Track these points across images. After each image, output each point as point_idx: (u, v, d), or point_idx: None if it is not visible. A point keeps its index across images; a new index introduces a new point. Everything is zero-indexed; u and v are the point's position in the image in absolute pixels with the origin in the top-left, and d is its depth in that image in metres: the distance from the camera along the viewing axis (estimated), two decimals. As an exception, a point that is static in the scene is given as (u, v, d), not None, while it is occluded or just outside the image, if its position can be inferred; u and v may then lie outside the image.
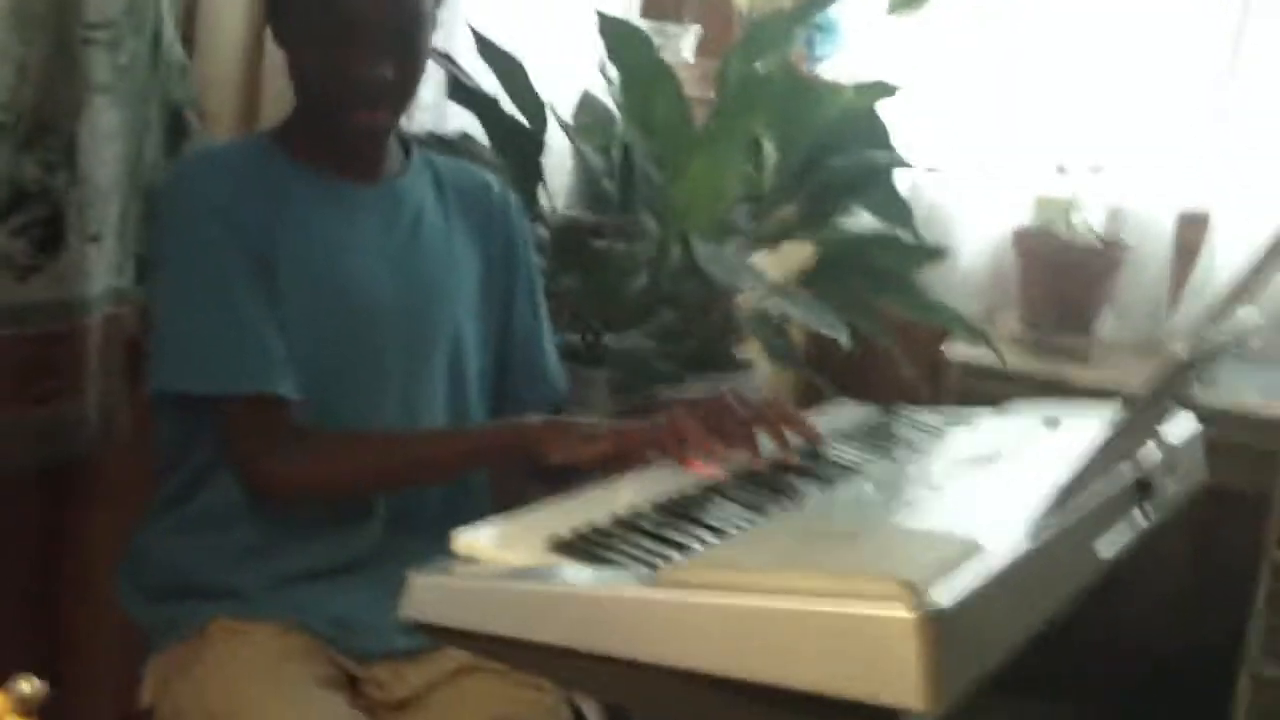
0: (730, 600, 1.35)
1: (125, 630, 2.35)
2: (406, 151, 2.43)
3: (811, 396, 3.19)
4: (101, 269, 2.67)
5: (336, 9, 2.19)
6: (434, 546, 1.65)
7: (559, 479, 2.11)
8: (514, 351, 2.47)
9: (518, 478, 2.32)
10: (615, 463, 2.03)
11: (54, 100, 2.54)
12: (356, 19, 2.19)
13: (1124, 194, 4.12)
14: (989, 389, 3.62)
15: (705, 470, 1.96)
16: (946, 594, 1.30)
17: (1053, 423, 2.22)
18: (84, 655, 2.87)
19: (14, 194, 2.51)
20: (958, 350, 3.86)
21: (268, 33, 2.43)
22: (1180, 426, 2.12)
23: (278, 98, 2.43)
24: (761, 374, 3.30)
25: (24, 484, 2.71)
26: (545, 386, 2.49)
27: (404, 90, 2.28)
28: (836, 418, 2.34)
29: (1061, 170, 4.07)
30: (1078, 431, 1.99)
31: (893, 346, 3.22)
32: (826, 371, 3.40)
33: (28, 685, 1.56)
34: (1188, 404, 2.16)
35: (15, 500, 2.72)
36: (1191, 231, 4.14)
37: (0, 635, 2.69)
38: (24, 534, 2.78)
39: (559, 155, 3.58)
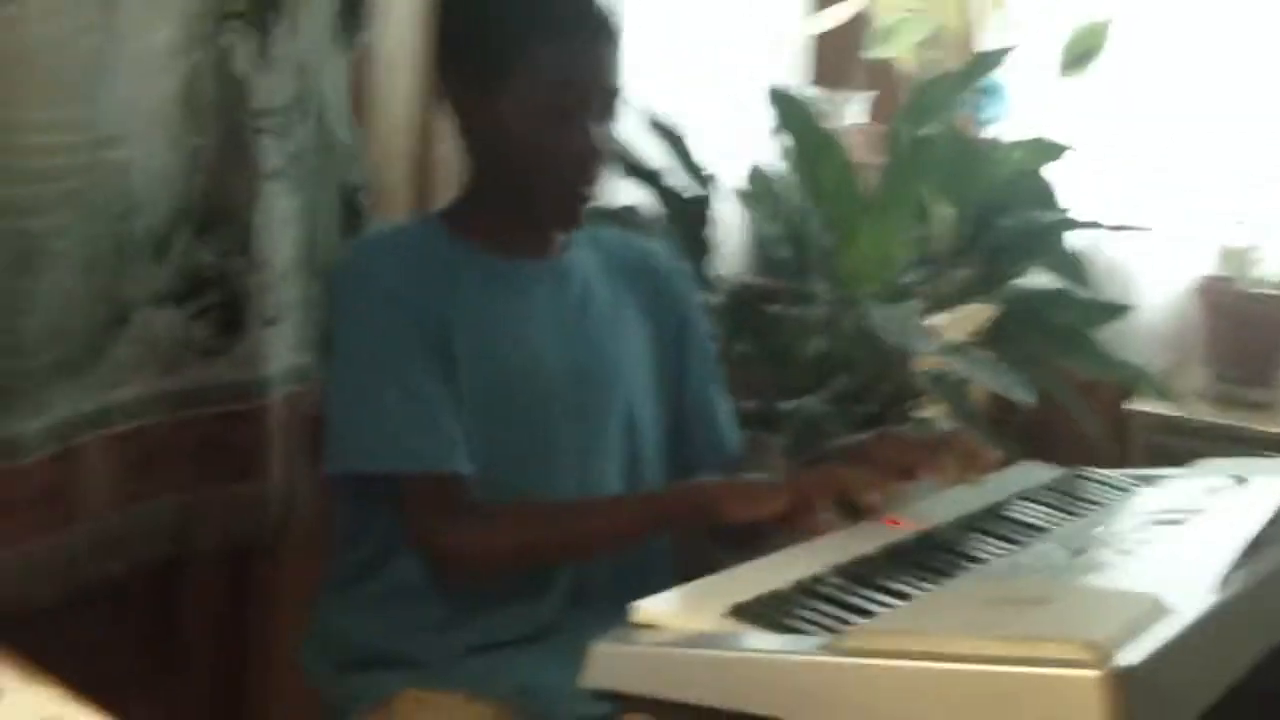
0: (912, 666, 1.34)
1: (310, 704, 2.38)
2: None
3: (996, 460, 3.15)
4: (280, 350, 2.71)
5: (574, 81, 2.19)
6: (616, 615, 1.64)
7: (741, 541, 2.11)
8: (689, 420, 2.46)
9: (699, 543, 2.32)
10: (795, 518, 2.02)
11: (227, 188, 2.58)
12: (586, 91, 2.20)
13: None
14: (1175, 444, 3.58)
15: (895, 523, 1.95)
16: (1134, 654, 1.28)
17: (1241, 480, 2.18)
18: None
19: (193, 279, 2.55)
20: (1142, 406, 3.81)
21: (437, 111, 2.44)
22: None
23: (450, 177, 2.46)
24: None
25: (209, 563, 2.74)
26: (721, 455, 2.47)
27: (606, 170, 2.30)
28: (1022, 479, 2.31)
29: (1241, 221, 4.01)
30: (1266, 488, 1.96)
31: (1076, 405, 3.18)
32: (1008, 433, 3.36)
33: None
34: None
35: (201, 579, 2.76)
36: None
37: (194, 710, 2.72)
38: (209, 612, 2.82)
39: (728, 226, 3.59)
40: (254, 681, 2.89)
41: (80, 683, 1.80)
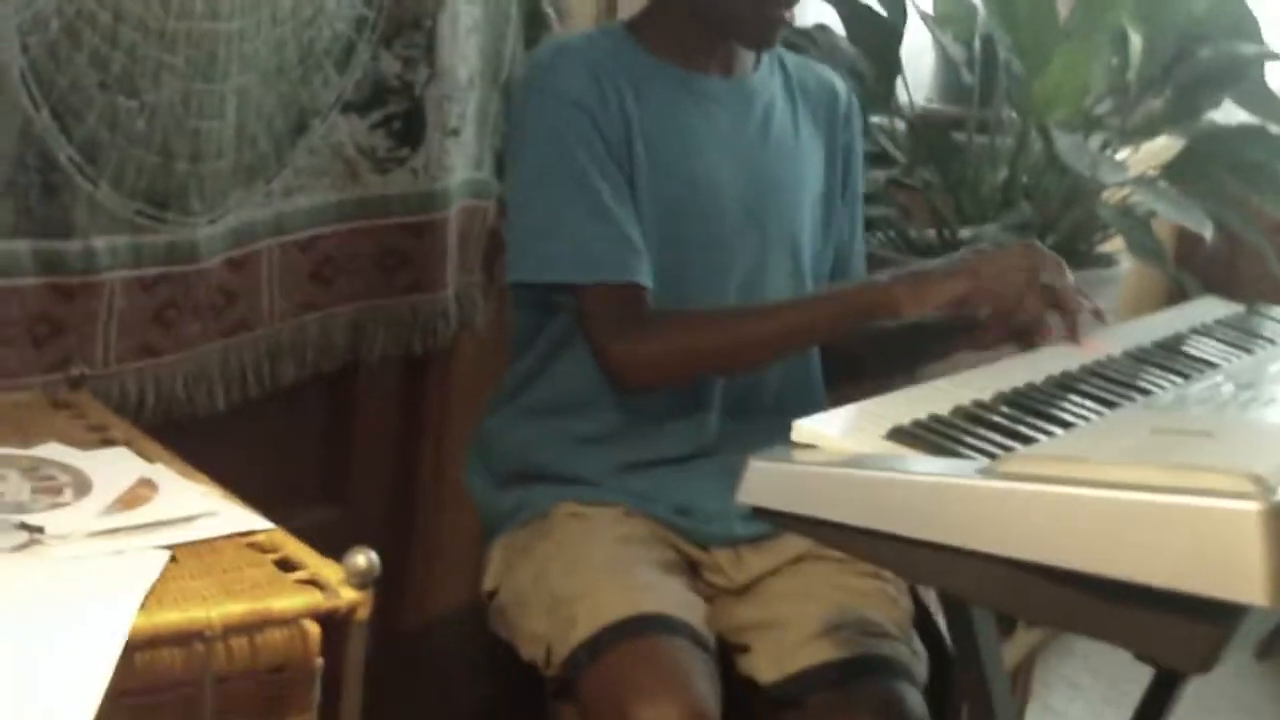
0: (1072, 491, 1.32)
1: (474, 515, 2.41)
2: None
3: (1176, 294, 3.11)
4: (460, 162, 2.72)
5: None
6: (771, 436, 1.64)
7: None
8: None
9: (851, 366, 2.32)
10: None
11: (413, -4, 2.58)
12: None
13: None
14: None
15: (1092, 347, 1.94)
16: (1295, 489, 1.26)
17: None
18: (434, 538, 2.94)
19: (375, 89, 2.56)
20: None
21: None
22: None
23: (635, -3, 2.44)
24: (1124, 270, 3.22)
25: (384, 372, 2.78)
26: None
27: None
28: (1199, 314, 2.28)
29: None
30: None
31: (1264, 243, 3.12)
32: (1192, 269, 3.31)
33: (363, 559, 1.60)
34: None
35: (376, 388, 2.80)
36: None
37: (357, 517, 2.77)
38: (383, 420, 2.86)
39: (917, 48, 3.53)
40: (423, 491, 2.94)
41: (249, 489, 1.83)
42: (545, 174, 2.23)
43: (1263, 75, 3.28)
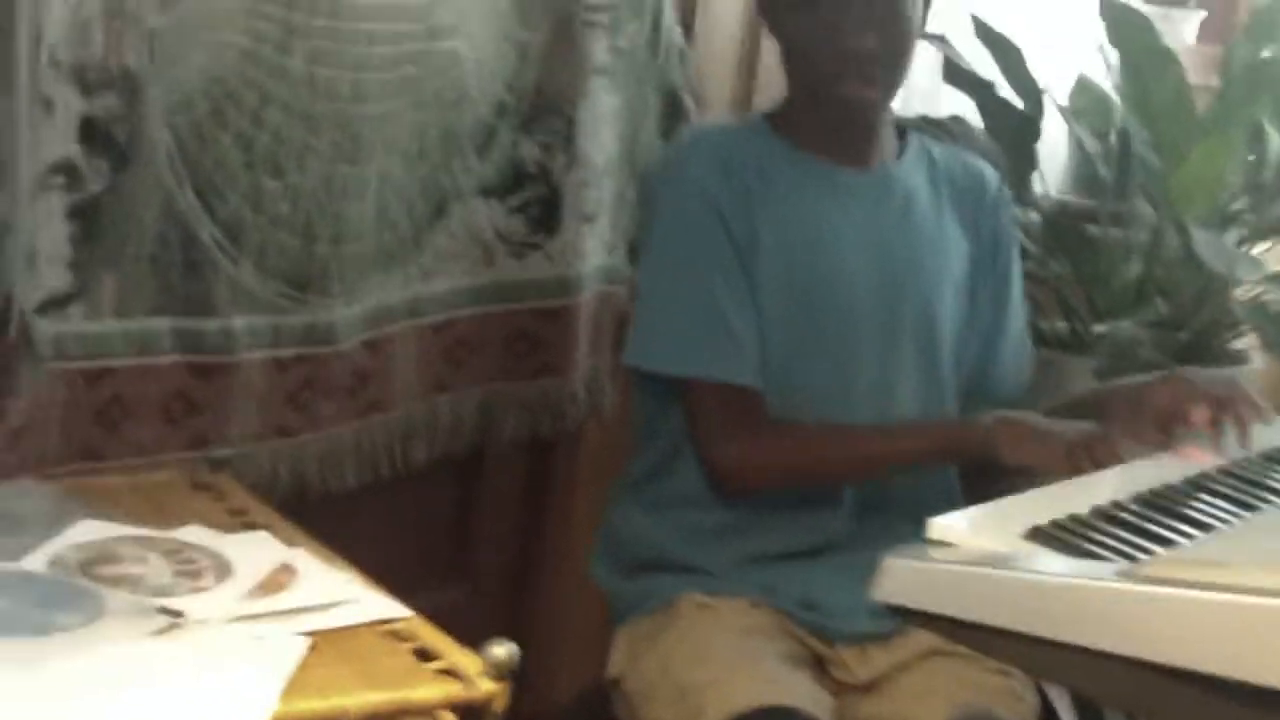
0: (1214, 597, 1.31)
1: (596, 602, 2.42)
2: (902, 136, 2.41)
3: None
4: (595, 248, 2.75)
5: None
6: (902, 532, 1.64)
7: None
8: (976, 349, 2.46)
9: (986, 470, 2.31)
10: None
11: (554, 82, 2.61)
12: None
13: None
14: None
15: (1195, 456, 1.92)
16: None
17: None
18: (557, 624, 2.95)
19: (514, 173, 2.60)
20: None
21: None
22: None
23: (772, 83, 2.46)
24: (1256, 368, 3.19)
25: (513, 455, 2.79)
26: (999, 391, 2.45)
27: (893, 63, 2.27)
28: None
29: None
30: None
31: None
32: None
33: (502, 650, 1.61)
34: None
35: (504, 471, 2.82)
36: None
37: (481, 600, 2.78)
38: (510, 503, 2.87)
39: (1053, 140, 3.53)
40: (548, 575, 2.95)
41: (376, 569, 1.85)
42: (666, 265, 2.26)
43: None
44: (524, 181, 2.62)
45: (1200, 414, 2.05)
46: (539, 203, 2.64)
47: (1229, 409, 2.05)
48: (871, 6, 2.21)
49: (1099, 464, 1.98)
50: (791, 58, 2.31)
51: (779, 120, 2.35)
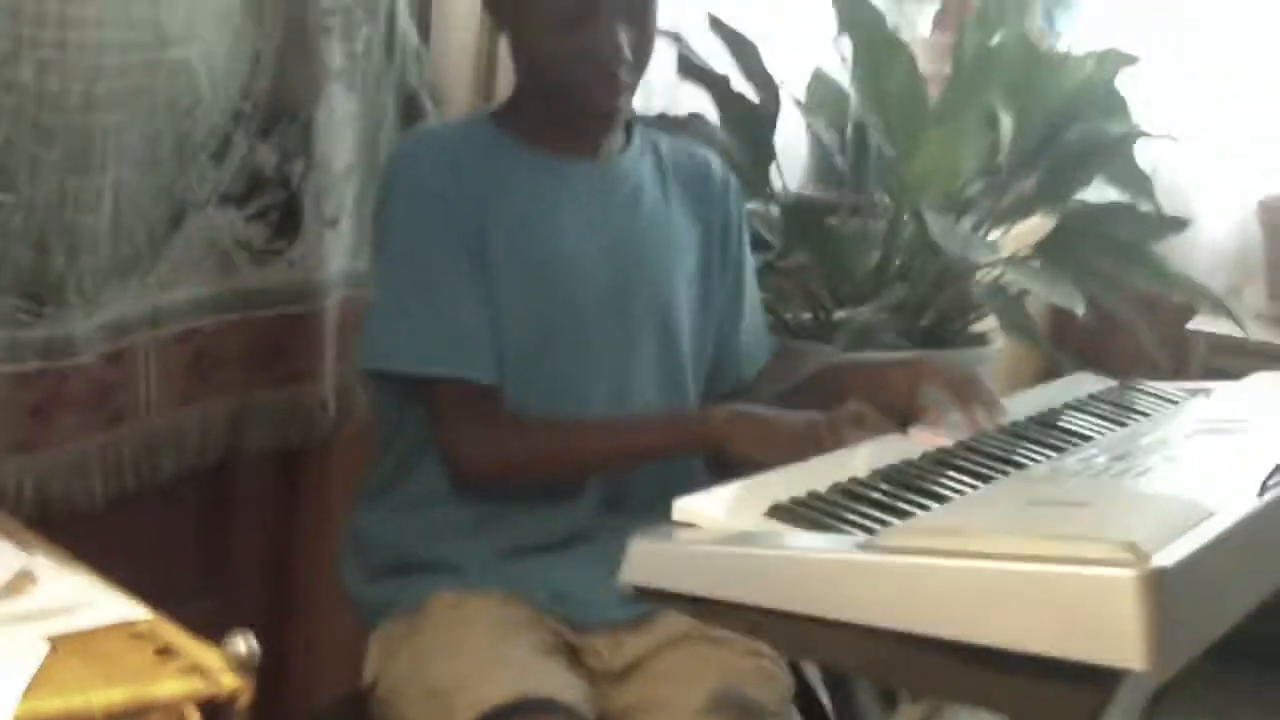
0: (950, 563, 1.34)
1: (350, 611, 2.40)
2: (627, 128, 2.43)
3: (1049, 371, 3.14)
4: (338, 252, 2.73)
5: None
6: (648, 521, 1.65)
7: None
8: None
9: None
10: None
11: (290, 88, 2.59)
12: None
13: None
14: (1233, 365, 3.54)
15: (928, 440, 1.96)
16: (1171, 555, 1.28)
17: (1294, 394, 2.17)
18: (314, 630, 2.93)
19: (252, 180, 2.57)
20: (1201, 326, 3.79)
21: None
22: None
23: (511, 82, 2.46)
24: (998, 349, 3.26)
25: (263, 465, 2.77)
26: (735, 375, 2.49)
27: (639, 67, 2.27)
28: (1073, 389, 2.31)
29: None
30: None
31: (1136, 320, 3.16)
32: (1066, 346, 3.35)
33: (243, 644, 1.60)
34: None
35: (255, 480, 2.79)
36: None
37: (236, 611, 2.74)
38: (262, 513, 2.85)
39: (791, 133, 3.57)
40: (303, 583, 2.92)
41: (126, 583, 1.82)
42: (397, 265, 2.24)
43: (1131, 154, 3.33)
44: (262, 188, 2.59)
45: (935, 404, 2.10)
46: (278, 209, 2.61)
47: (965, 399, 2.09)
48: (625, 14, 2.21)
49: (826, 450, 2.00)
50: (528, 58, 2.29)
51: (506, 116, 2.35)
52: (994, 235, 3.28)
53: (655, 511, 1.67)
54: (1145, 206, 3.27)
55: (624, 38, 2.21)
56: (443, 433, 2.22)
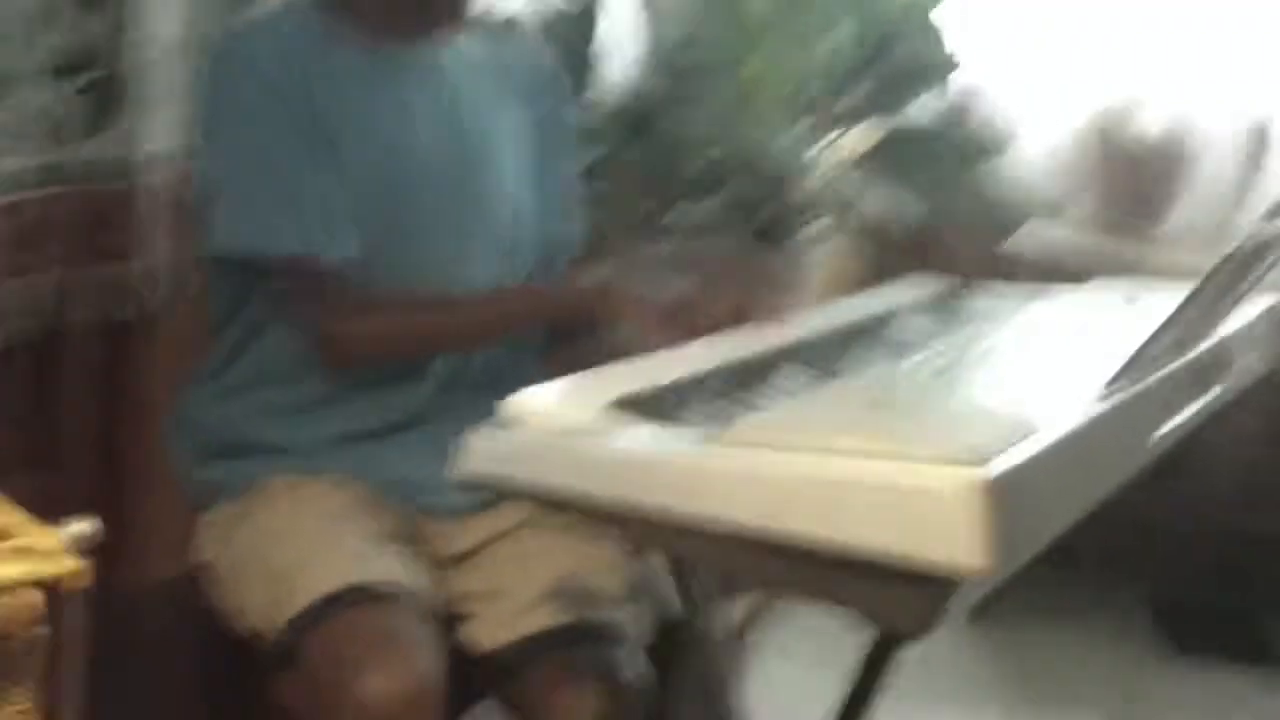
0: (792, 460, 1.35)
1: (180, 493, 2.37)
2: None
3: (880, 276, 3.17)
4: (164, 129, 2.68)
5: None
6: (489, 403, 1.64)
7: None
8: None
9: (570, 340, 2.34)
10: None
11: (118, -38, 2.54)
12: None
13: (1189, 102, 4.08)
14: (1060, 275, 3.60)
15: (776, 332, 1.98)
16: (1006, 460, 1.29)
17: (1131, 300, 2.20)
18: (146, 508, 2.89)
19: (77, 55, 2.52)
20: (1023, 243, 3.83)
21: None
22: (1253, 306, 2.10)
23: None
24: (829, 251, 3.29)
25: (91, 339, 2.72)
26: (555, 260, 2.45)
27: None
28: (909, 292, 2.33)
29: (1126, 72, 4.05)
30: (1156, 308, 1.98)
31: (961, 229, 3.20)
32: (895, 251, 3.38)
33: (82, 526, 1.58)
34: (1263, 285, 2.14)
35: (81, 356, 2.74)
36: (1257, 142, 4.11)
37: (65, 485, 2.71)
38: (89, 388, 2.80)
39: (626, 31, 3.55)
40: (134, 460, 2.88)
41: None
42: (238, 148, 2.20)
43: (947, 80, 3.38)
44: (86, 63, 2.54)
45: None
46: (102, 83, 2.57)
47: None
48: None
49: (696, 331, 2.02)
50: None
51: (331, 3, 2.30)
52: (828, 140, 3.29)
53: (494, 393, 1.66)
54: (962, 130, 3.31)
55: None
56: (302, 314, 2.18)
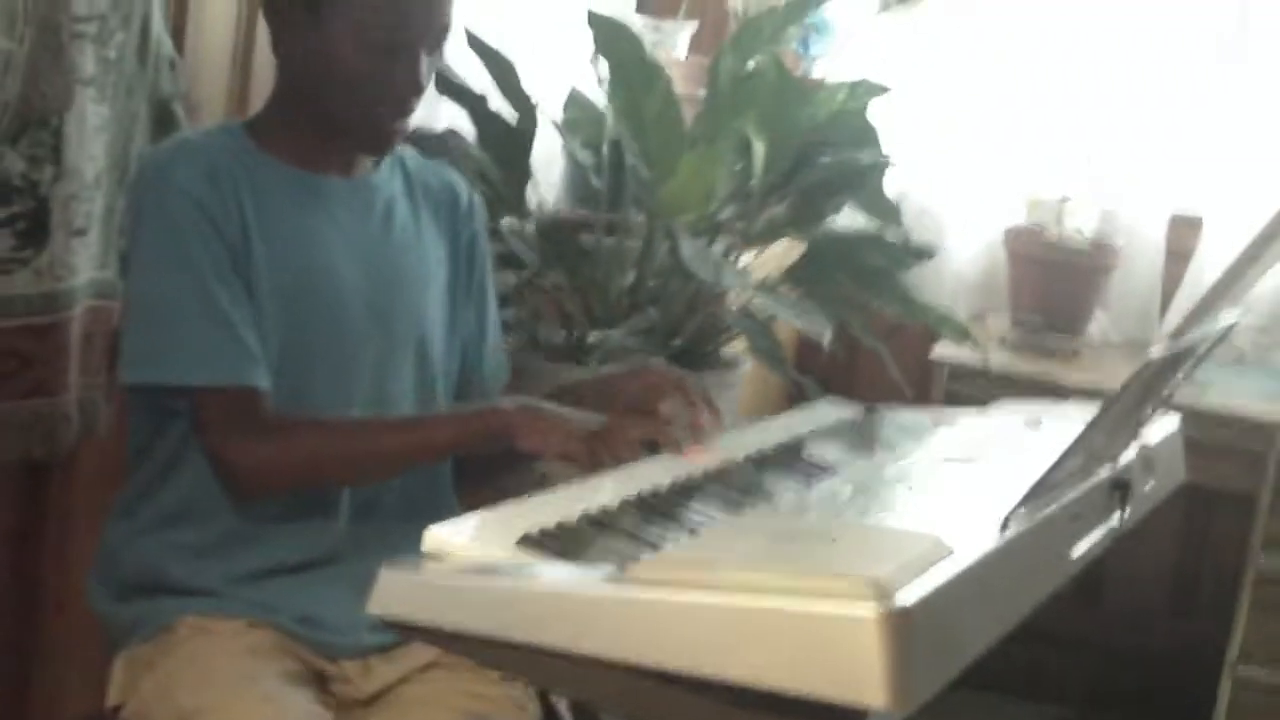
0: (697, 598, 1.34)
1: (97, 629, 2.35)
2: None
3: (797, 396, 3.18)
4: (85, 262, 2.68)
5: (404, 17, 2.19)
6: (399, 539, 1.64)
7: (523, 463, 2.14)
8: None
9: (481, 469, 2.34)
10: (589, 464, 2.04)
11: (40, 94, 2.54)
12: (419, 28, 2.20)
13: (1116, 196, 4.13)
14: (977, 391, 3.63)
15: (697, 456, 1.98)
16: (914, 593, 1.29)
17: (1035, 423, 2.22)
18: (59, 649, 2.87)
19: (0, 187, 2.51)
20: (946, 352, 3.86)
21: (258, 27, 2.41)
22: (1160, 427, 2.12)
23: (266, 91, 2.43)
24: (746, 372, 3.30)
25: (5, 477, 2.71)
26: (476, 391, 2.48)
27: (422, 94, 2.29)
28: (819, 416, 2.34)
29: (1052, 172, 4.08)
30: (1060, 432, 1.99)
31: (880, 347, 3.21)
32: (813, 371, 3.40)
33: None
34: (1171, 405, 2.16)
35: (-1, 493, 2.73)
36: (1184, 234, 4.17)
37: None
38: (3, 525, 2.78)
39: (549, 152, 3.58)
40: (45, 601, 2.86)
41: None
42: (159, 274, 2.19)
43: (880, 183, 3.39)
44: (10, 195, 2.53)
45: (669, 405, 2.12)
46: (26, 217, 2.55)
47: (692, 402, 2.13)
48: (429, 44, 2.23)
49: (615, 454, 2.02)
50: (311, 75, 2.24)
51: (259, 130, 2.32)
52: (745, 259, 3.31)
53: (405, 529, 1.66)
54: (893, 235, 3.33)
55: (424, 67, 2.22)
56: (216, 443, 2.16)
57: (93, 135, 2.65)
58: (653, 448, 2.05)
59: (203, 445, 2.18)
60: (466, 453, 2.27)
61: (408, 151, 2.47)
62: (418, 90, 2.23)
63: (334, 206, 2.31)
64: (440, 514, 1.69)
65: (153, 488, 2.28)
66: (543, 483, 1.91)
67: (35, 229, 2.58)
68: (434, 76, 2.78)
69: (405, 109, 2.24)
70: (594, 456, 2.04)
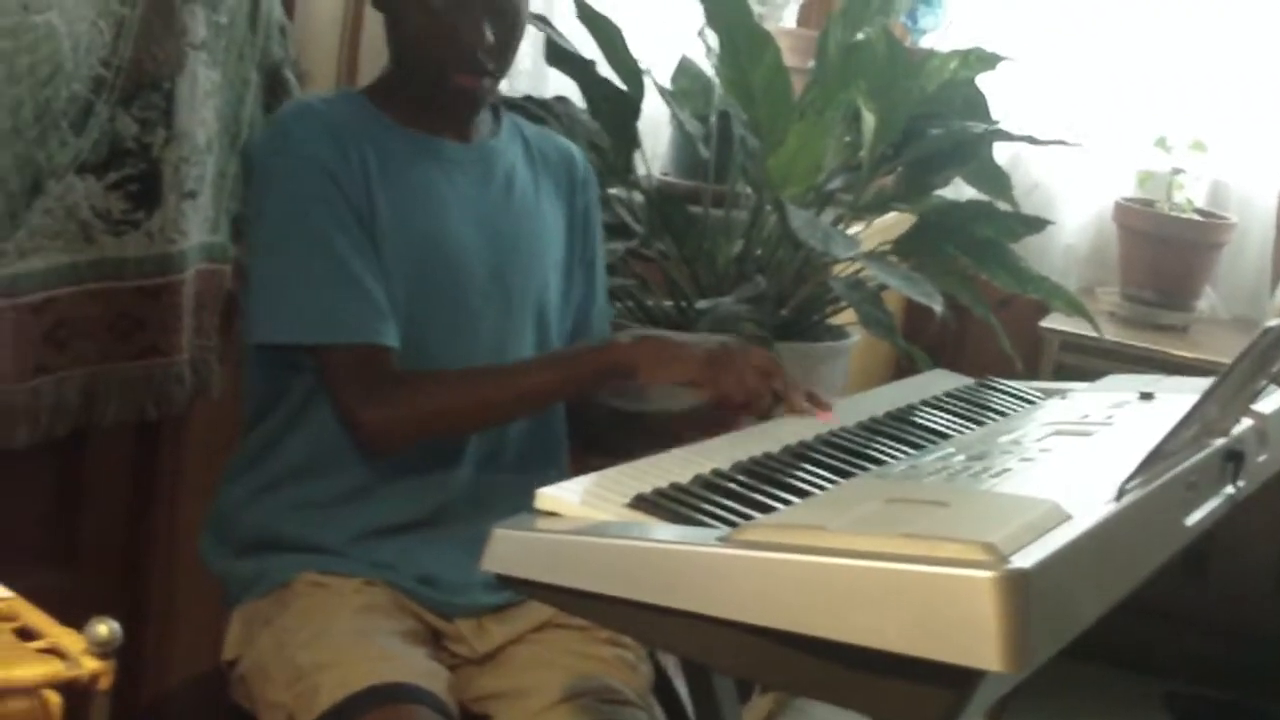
0: (810, 560, 1.35)
1: (210, 584, 2.38)
2: (496, 114, 2.44)
3: (906, 367, 3.17)
4: (197, 225, 2.70)
5: None
6: (514, 496, 1.66)
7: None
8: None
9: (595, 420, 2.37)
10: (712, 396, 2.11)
11: (152, 57, 2.56)
12: None
13: (1227, 170, 4.09)
14: (1087, 364, 3.61)
15: (822, 416, 2.03)
16: (1029, 557, 1.30)
17: (1147, 396, 2.21)
18: (169, 607, 2.90)
19: (112, 149, 2.53)
20: (1056, 324, 3.84)
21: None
22: (1273, 400, 2.10)
23: (376, 58, 2.45)
24: (854, 343, 3.29)
25: (118, 437, 2.73)
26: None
27: (504, 54, 2.30)
28: (930, 386, 2.33)
29: (1164, 144, 4.05)
30: (1172, 405, 1.98)
31: (991, 317, 3.19)
32: (922, 343, 3.38)
33: (105, 628, 1.58)
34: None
35: (109, 453, 2.76)
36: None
37: (89, 584, 2.72)
38: (116, 486, 2.81)
39: (656, 121, 3.58)
40: (158, 558, 2.89)
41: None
42: (286, 236, 2.22)
43: (990, 153, 3.37)
44: (123, 158, 2.55)
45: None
46: (138, 179, 2.58)
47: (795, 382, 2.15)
48: (490, 6, 2.24)
49: (739, 378, 2.07)
50: (399, 37, 2.30)
51: (379, 94, 2.35)
52: (854, 230, 3.30)
53: (522, 485, 1.70)
54: (1003, 205, 3.31)
55: (488, 25, 2.23)
56: (348, 400, 2.18)
57: (204, 99, 2.67)
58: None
59: (334, 403, 2.20)
60: (593, 389, 2.29)
61: (526, 122, 2.49)
62: (482, 44, 2.24)
63: (454, 171, 2.33)
64: (553, 467, 1.70)
65: (274, 446, 2.30)
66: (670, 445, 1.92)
67: (147, 191, 2.60)
68: (544, 44, 2.81)
69: (474, 65, 2.26)
70: (716, 384, 2.08)
